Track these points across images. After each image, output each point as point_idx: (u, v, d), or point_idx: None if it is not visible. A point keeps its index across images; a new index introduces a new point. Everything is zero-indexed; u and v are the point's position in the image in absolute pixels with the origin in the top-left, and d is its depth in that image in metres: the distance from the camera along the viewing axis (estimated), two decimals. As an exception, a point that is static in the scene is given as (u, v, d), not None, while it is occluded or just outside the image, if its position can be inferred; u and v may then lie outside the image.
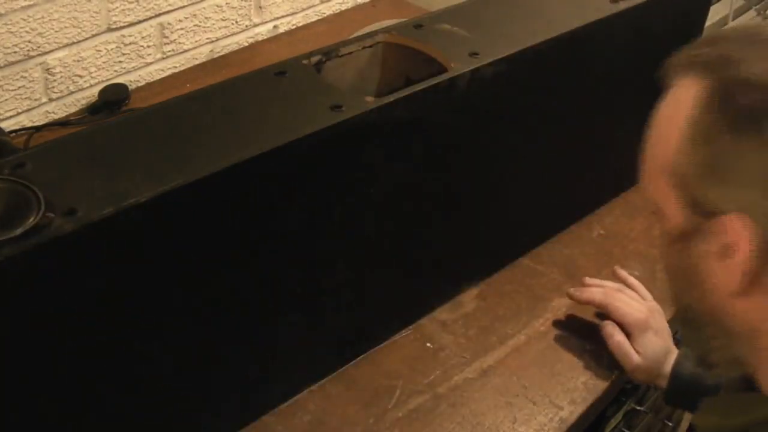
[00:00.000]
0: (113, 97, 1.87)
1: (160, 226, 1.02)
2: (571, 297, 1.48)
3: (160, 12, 1.91)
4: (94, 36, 1.82)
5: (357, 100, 1.17)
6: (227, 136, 1.09)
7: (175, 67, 2.01)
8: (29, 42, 1.72)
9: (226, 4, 2.03)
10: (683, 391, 1.37)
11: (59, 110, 1.84)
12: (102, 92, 1.87)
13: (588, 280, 1.51)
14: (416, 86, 1.21)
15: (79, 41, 1.80)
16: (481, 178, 1.42)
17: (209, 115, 1.13)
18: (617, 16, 1.45)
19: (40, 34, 1.72)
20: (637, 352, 1.40)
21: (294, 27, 2.22)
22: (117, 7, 1.82)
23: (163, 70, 1.99)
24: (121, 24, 1.85)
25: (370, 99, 1.19)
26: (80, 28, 1.78)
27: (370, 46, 1.34)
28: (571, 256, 1.65)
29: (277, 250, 1.17)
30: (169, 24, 1.94)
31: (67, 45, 1.78)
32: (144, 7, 1.87)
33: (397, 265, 1.38)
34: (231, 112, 1.14)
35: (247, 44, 2.14)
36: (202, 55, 2.05)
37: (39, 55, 1.75)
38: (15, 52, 1.70)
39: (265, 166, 1.07)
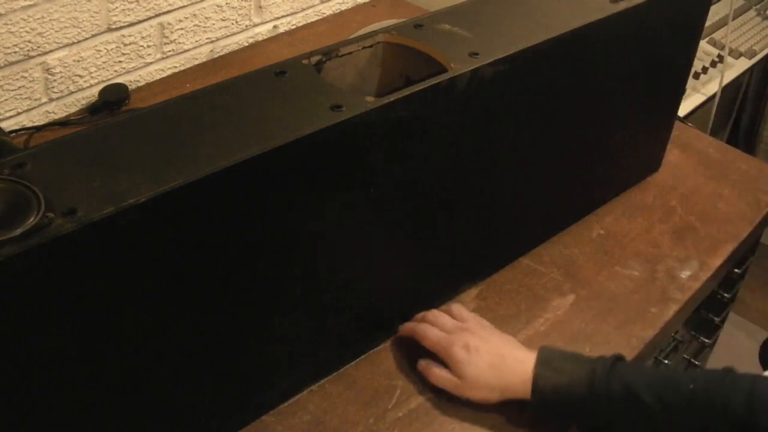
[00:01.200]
0: (113, 97, 1.87)
1: (160, 226, 1.02)
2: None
3: (160, 12, 1.91)
4: (94, 36, 1.82)
5: (357, 100, 1.17)
6: (227, 136, 1.09)
7: (175, 67, 2.01)
8: (29, 42, 1.72)
9: (226, 4, 2.03)
10: (548, 405, 1.29)
11: (59, 110, 1.84)
12: (102, 92, 1.87)
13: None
14: (416, 86, 1.21)
15: (79, 41, 1.80)
16: (481, 178, 1.42)
17: (209, 115, 1.13)
18: (617, 16, 1.45)
19: (40, 34, 1.72)
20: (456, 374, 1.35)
21: (294, 27, 2.23)
22: (117, 7, 1.82)
23: (163, 70, 1.99)
24: (121, 24, 1.85)
25: (370, 99, 1.18)
26: (80, 28, 1.78)
27: (370, 46, 1.34)
28: (571, 256, 1.65)
29: (277, 249, 1.17)
30: (169, 24, 1.94)
31: (67, 45, 1.78)
32: (144, 7, 1.87)
33: (398, 264, 1.38)
34: (231, 112, 1.14)
35: (247, 44, 2.14)
36: (202, 55, 2.05)
37: (39, 55, 1.75)
38: (15, 52, 1.71)
39: (265, 166, 1.07)
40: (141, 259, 1.02)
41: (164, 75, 1.99)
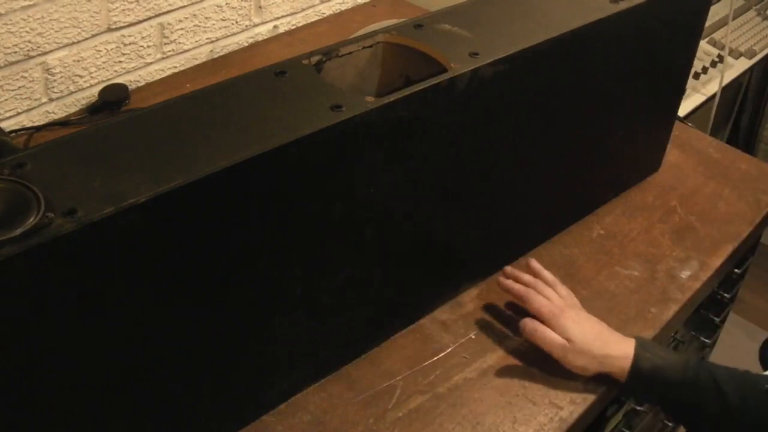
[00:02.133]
0: (113, 97, 1.87)
1: (160, 226, 1.02)
2: (498, 283, 1.52)
3: (160, 12, 1.91)
4: (94, 36, 1.82)
5: (357, 100, 1.17)
6: (227, 136, 1.09)
7: (175, 67, 2.01)
8: (29, 42, 1.72)
9: (226, 4, 2.03)
10: (644, 383, 1.38)
11: (59, 110, 1.84)
12: (102, 92, 1.87)
13: (507, 269, 1.54)
14: (416, 86, 1.21)
15: (79, 41, 1.80)
16: (481, 178, 1.42)
17: (209, 115, 1.13)
18: (617, 16, 1.45)
19: (40, 34, 1.72)
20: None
21: (294, 27, 2.23)
22: (117, 7, 1.82)
23: (163, 70, 1.99)
24: (121, 24, 1.85)
25: (370, 99, 1.18)
26: (80, 28, 1.78)
27: (370, 46, 1.34)
28: (571, 256, 1.65)
29: (277, 249, 1.17)
30: (169, 24, 1.94)
31: (67, 45, 1.78)
32: (144, 8, 1.87)
33: (397, 265, 1.38)
34: (231, 112, 1.14)
35: (247, 44, 2.14)
36: (202, 55, 2.05)
37: (39, 55, 1.75)
38: (15, 52, 1.70)
39: (265, 166, 1.07)
40: (141, 259, 1.02)
41: (164, 75, 1.99)
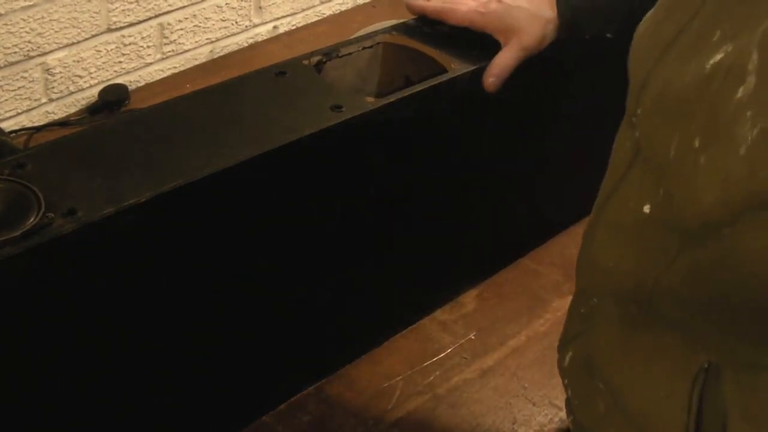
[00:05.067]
0: (113, 98, 1.87)
1: (160, 226, 1.02)
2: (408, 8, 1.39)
3: (160, 12, 1.91)
4: (94, 36, 1.82)
5: (357, 101, 1.17)
6: (227, 136, 1.09)
7: (175, 67, 2.01)
8: (29, 42, 1.72)
9: (226, 4, 2.03)
10: (575, 6, 1.30)
11: (59, 110, 1.84)
12: (102, 93, 1.87)
13: None
14: (416, 87, 1.22)
15: (78, 41, 1.80)
16: (481, 178, 1.42)
17: (209, 116, 1.13)
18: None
19: (39, 34, 1.73)
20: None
21: (294, 27, 2.23)
22: (117, 8, 1.82)
23: (163, 71, 1.99)
24: (121, 24, 1.85)
25: (370, 99, 1.19)
26: (80, 28, 1.78)
27: (370, 47, 1.34)
28: (570, 257, 1.64)
29: (277, 249, 1.17)
30: (168, 24, 1.94)
31: (66, 45, 1.78)
32: (144, 8, 1.87)
33: (398, 264, 1.38)
34: (231, 113, 1.14)
35: (247, 45, 2.14)
36: (202, 55, 2.05)
37: (39, 55, 1.75)
38: (15, 53, 1.71)
39: (265, 167, 1.07)
40: (141, 259, 1.02)
41: (164, 75, 1.99)
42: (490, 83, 1.27)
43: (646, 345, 0.89)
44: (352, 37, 1.38)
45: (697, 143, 0.75)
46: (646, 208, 0.83)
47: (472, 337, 1.47)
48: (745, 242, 0.73)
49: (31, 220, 0.94)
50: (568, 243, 1.68)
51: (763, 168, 0.70)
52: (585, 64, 1.47)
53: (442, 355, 1.44)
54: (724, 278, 0.77)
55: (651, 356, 0.89)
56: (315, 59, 1.27)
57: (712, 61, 0.75)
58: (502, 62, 1.28)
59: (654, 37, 0.86)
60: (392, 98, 1.18)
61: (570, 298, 1.46)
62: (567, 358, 1.07)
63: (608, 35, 1.32)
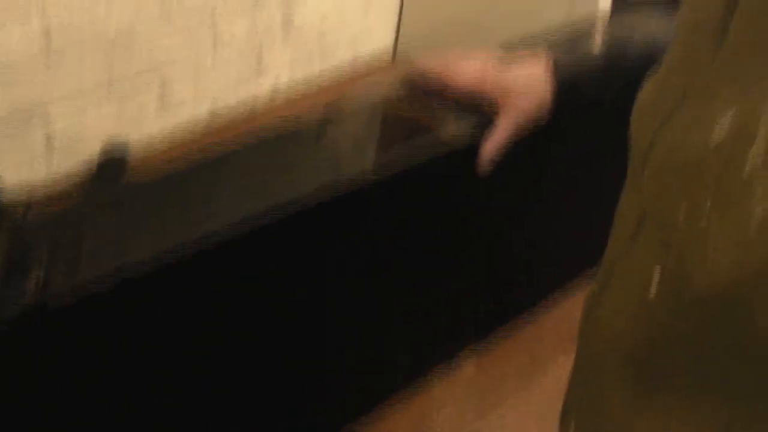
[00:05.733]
0: (114, 157, 1.87)
1: (160, 295, 1.02)
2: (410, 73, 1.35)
3: (161, 69, 1.92)
4: (95, 92, 1.83)
5: (357, 166, 1.18)
6: (227, 203, 1.09)
7: (176, 124, 2.02)
8: (31, 99, 1.73)
9: (227, 62, 2.05)
10: (572, 74, 1.31)
11: (60, 165, 1.85)
12: (103, 153, 1.88)
13: None
14: (415, 154, 1.22)
15: (80, 97, 1.81)
16: (480, 242, 1.43)
17: (209, 180, 1.14)
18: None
19: (41, 92, 1.74)
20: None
21: (295, 91, 2.24)
22: (118, 64, 1.84)
23: (163, 130, 2.00)
24: (123, 80, 1.87)
25: (370, 163, 1.19)
26: (82, 84, 1.80)
27: (370, 113, 1.35)
28: (570, 318, 1.63)
29: (275, 316, 1.18)
30: (169, 81, 1.95)
31: (69, 100, 1.80)
32: (145, 64, 1.89)
33: (399, 327, 1.38)
34: (232, 176, 1.14)
35: (248, 107, 2.15)
36: (202, 113, 2.06)
37: (41, 113, 1.76)
38: (16, 109, 1.72)
39: (264, 231, 1.08)
40: (140, 326, 1.03)
41: (165, 133, 2.00)
42: (484, 162, 1.28)
43: (662, 407, 0.89)
44: (352, 102, 1.38)
45: (706, 208, 0.75)
46: (656, 273, 0.83)
47: (472, 398, 1.47)
48: (760, 305, 0.74)
49: (32, 285, 0.94)
50: (568, 304, 1.68)
51: None
52: (583, 128, 1.48)
53: (443, 415, 1.43)
54: (739, 336, 0.77)
55: (669, 420, 0.88)
56: (315, 123, 1.27)
57: (719, 125, 0.75)
58: (493, 144, 1.29)
59: (658, 101, 0.86)
60: (392, 163, 1.19)
61: (572, 357, 1.45)
62: (571, 430, 1.06)
63: (605, 101, 1.33)
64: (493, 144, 1.27)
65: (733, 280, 0.75)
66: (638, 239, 0.87)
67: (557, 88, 1.30)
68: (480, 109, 1.29)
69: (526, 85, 1.30)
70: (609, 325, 0.93)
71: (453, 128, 1.29)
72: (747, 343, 0.77)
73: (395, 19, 2.43)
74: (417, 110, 1.33)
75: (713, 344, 0.81)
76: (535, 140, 1.35)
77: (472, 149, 1.27)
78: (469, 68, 1.32)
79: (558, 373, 1.51)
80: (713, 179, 0.75)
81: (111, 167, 1.84)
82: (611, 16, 1.43)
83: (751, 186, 0.72)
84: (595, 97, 1.34)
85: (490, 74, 1.31)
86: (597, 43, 1.40)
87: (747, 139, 0.73)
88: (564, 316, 1.65)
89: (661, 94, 0.86)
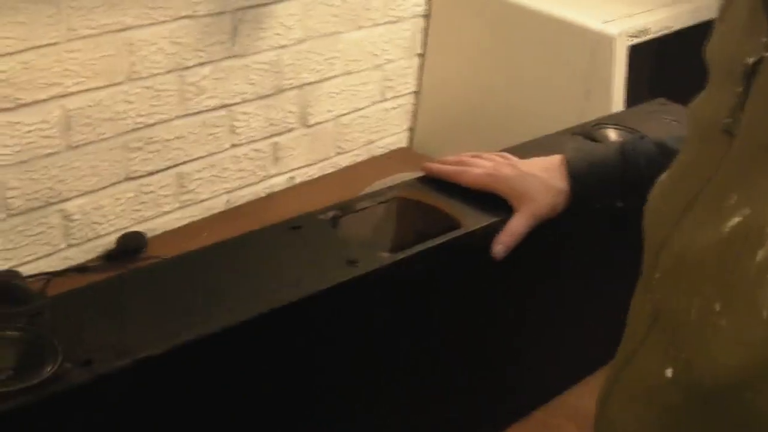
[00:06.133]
0: (131, 245, 1.89)
1: (173, 379, 1.03)
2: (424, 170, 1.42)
3: (179, 162, 1.95)
4: (113, 184, 1.85)
5: (372, 256, 1.19)
6: (242, 290, 1.10)
7: (193, 216, 2.04)
8: (50, 189, 1.75)
9: (244, 155, 2.07)
10: (586, 180, 1.34)
11: (77, 256, 1.86)
12: (120, 240, 1.90)
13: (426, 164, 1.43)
14: (430, 242, 1.23)
15: (98, 189, 1.83)
16: (494, 332, 1.43)
17: (224, 269, 1.15)
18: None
19: (60, 181, 1.76)
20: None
21: (310, 178, 2.26)
22: (136, 157, 1.86)
23: (180, 219, 2.01)
24: (140, 173, 1.89)
25: (385, 254, 1.21)
26: (100, 176, 1.82)
27: (385, 202, 1.36)
28: (585, 410, 1.62)
29: (287, 405, 1.18)
30: (187, 174, 1.97)
31: (86, 193, 1.81)
32: (163, 157, 1.91)
33: (410, 420, 1.37)
34: (246, 266, 1.15)
35: (263, 195, 2.17)
36: (218, 204, 2.08)
37: (59, 202, 1.78)
38: (36, 199, 1.74)
39: (278, 322, 1.09)
40: (154, 411, 1.03)
41: (181, 224, 2.02)
42: (497, 250, 1.31)
43: None
44: (366, 190, 1.40)
45: (717, 307, 0.76)
46: (668, 373, 0.84)
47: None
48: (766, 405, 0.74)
49: (48, 369, 0.95)
50: (583, 395, 1.66)
51: None
52: (596, 227, 1.49)
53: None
54: None
55: None
56: (330, 214, 1.29)
57: (730, 225, 0.76)
58: (513, 230, 1.31)
59: (670, 201, 0.87)
60: (406, 254, 1.20)
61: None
62: None
63: (618, 205, 1.36)
64: (508, 235, 1.28)
65: (740, 382, 0.75)
66: (651, 339, 0.88)
67: (572, 194, 1.32)
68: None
69: (540, 188, 1.31)
70: (618, 424, 0.93)
71: (469, 218, 1.30)
72: None
73: (411, 112, 2.45)
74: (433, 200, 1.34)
75: None
76: (551, 232, 1.36)
77: (487, 234, 1.28)
78: (483, 166, 1.34)
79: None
80: (723, 276, 0.76)
81: (127, 253, 1.86)
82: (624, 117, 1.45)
83: (760, 284, 0.73)
84: (607, 202, 1.36)
85: (503, 172, 1.33)
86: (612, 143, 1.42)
87: (756, 241, 0.74)
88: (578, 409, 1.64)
89: (673, 194, 0.88)
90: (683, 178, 0.87)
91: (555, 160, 1.35)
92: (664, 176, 0.92)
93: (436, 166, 1.40)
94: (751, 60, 0.78)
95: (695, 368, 0.79)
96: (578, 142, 1.51)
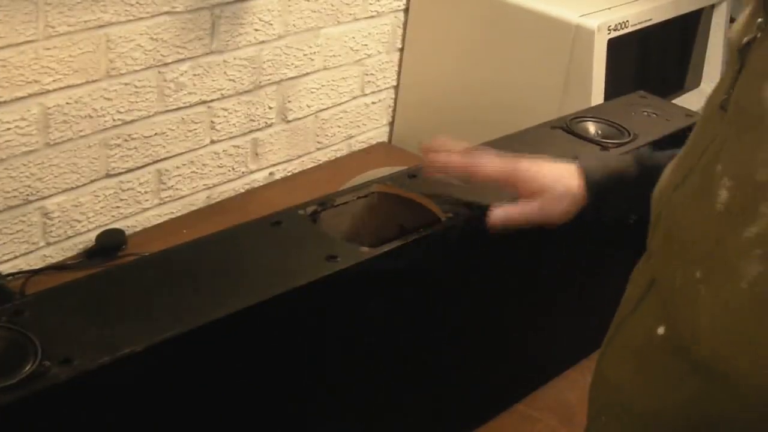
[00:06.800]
0: (111, 242, 1.89)
1: (155, 375, 1.03)
2: (428, 166, 1.34)
3: (158, 159, 1.94)
4: (92, 181, 1.84)
5: (352, 250, 1.19)
6: (223, 285, 1.10)
7: (172, 212, 2.03)
8: (28, 186, 1.74)
9: (224, 151, 2.07)
10: (605, 194, 1.30)
11: (56, 254, 1.86)
12: (99, 237, 1.89)
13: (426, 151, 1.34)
14: (410, 236, 1.23)
15: (77, 186, 1.82)
16: (475, 325, 1.43)
17: (205, 265, 1.15)
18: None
19: (39, 179, 1.75)
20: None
21: (290, 173, 2.26)
22: (116, 154, 1.85)
23: (160, 216, 2.01)
24: (120, 170, 1.88)
25: (365, 249, 1.20)
26: (79, 173, 1.81)
27: (365, 196, 1.36)
28: (566, 402, 1.64)
29: (271, 399, 1.18)
30: (166, 170, 1.97)
31: (65, 190, 1.81)
32: (142, 154, 1.90)
33: (391, 413, 1.38)
34: (227, 262, 1.15)
35: (243, 191, 2.16)
36: (198, 201, 2.07)
37: (38, 199, 1.77)
38: (14, 197, 1.73)
39: (260, 316, 1.09)
40: (136, 408, 1.02)
41: (161, 221, 2.01)
42: (494, 220, 1.27)
43: None
44: (347, 185, 1.40)
45: (698, 275, 0.79)
46: (660, 331, 0.86)
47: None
48: (748, 370, 0.76)
49: (28, 368, 0.94)
50: (564, 388, 1.67)
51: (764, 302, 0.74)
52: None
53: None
54: (730, 401, 0.80)
55: None
56: (310, 209, 1.29)
57: (715, 200, 0.79)
58: (516, 214, 1.28)
59: (670, 177, 0.90)
60: (387, 248, 1.20)
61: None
62: None
63: (631, 220, 1.32)
64: (505, 211, 1.26)
65: (723, 345, 0.77)
66: (646, 301, 0.90)
67: (587, 205, 1.30)
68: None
69: (557, 193, 1.29)
70: (610, 378, 0.96)
71: (449, 212, 1.30)
72: (738, 408, 0.80)
73: (391, 107, 2.45)
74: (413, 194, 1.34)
75: (702, 408, 0.82)
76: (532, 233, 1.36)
77: (468, 228, 1.28)
78: (498, 162, 1.30)
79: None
80: (707, 247, 0.79)
81: (107, 251, 1.86)
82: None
83: (744, 257, 0.75)
84: (621, 217, 1.34)
85: (521, 169, 1.29)
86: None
87: (740, 214, 0.76)
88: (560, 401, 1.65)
89: (676, 168, 0.90)
90: (685, 155, 0.89)
91: (572, 168, 1.32)
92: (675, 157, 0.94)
93: (443, 160, 1.33)
94: (745, 39, 0.81)
95: (681, 333, 0.82)
96: (591, 151, 1.50)
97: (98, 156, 1.83)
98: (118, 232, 1.91)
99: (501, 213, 1.27)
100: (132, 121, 1.86)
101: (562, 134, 1.56)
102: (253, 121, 2.11)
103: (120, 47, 1.79)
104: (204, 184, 2.07)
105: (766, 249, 0.74)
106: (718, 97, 0.84)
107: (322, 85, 2.24)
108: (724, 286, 0.77)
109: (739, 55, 0.82)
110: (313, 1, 2.12)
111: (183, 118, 1.95)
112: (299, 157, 2.27)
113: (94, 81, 1.77)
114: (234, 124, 2.07)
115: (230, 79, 2.01)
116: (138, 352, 0.98)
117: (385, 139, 2.49)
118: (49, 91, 1.71)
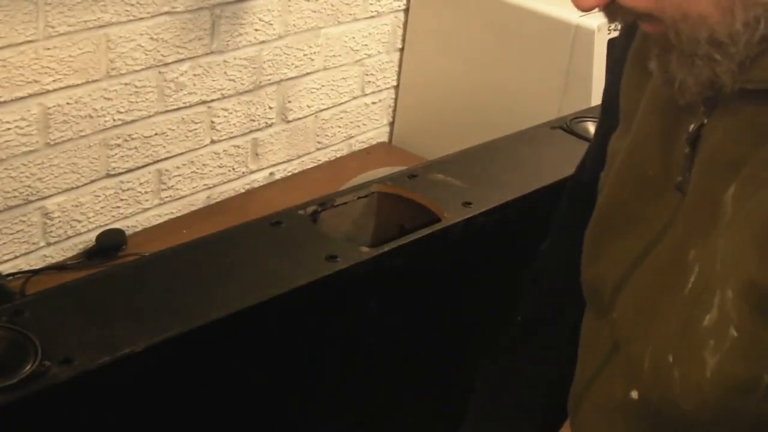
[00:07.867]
0: (111, 243, 1.88)
1: (155, 375, 1.03)
2: None
3: (158, 159, 1.94)
4: (92, 181, 1.84)
5: (352, 250, 1.19)
6: (223, 286, 1.10)
7: (172, 212, 2.03)
8: (29, 187, 1.74)
9: (224, 151, 2.07)
10: None
11: (57, 254, 1.85)
12: (99, 237, 1.89)
13: None
14: (410, 236, 1.23)
15: (78, 186, 1.82)
16: (475, 325, 1.43)
17: (205, 265, 1.15)
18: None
19: (39, 179, 1.75)
20: None
21: (290, 174, 2.26)
22: (116, 154, 1.85)
23: (160, 216, 2.01)
24: (120, 170, 1.88)
25: (365, 249, 1.21)
26: (79, 173, 1.81)
27: (365, 196, 1.36)
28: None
29: (271, 397, 1.18)
30: (166, 171, 1.97)
31: (66, 190, 1.81)
32: (143, 154, 1.90)
33: (391, 413, 1.38)
34: (227, 262, 1.15)
35: (243, 191, 2.16)
36: (198, 201, 2.07)
37: (38, 199, 1.77)
38: (14, 197, 1.73)
39: (260, 316, 1.09)
40: (135, 407, 1.03)
41: (161, 221, 2.01)
42: None
43: None
44: (347, 185, 1.40)
45: (670, 359, 0.80)
46: (634, 395, 0.87)
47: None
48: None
49: (28, 367, 0.95)
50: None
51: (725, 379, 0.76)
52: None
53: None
54: None
55: None
56: (310, 209, 1.29)
57: (687, 285, 0.79)
58: None
59: (616, 244, 0.90)
60: (386, 248, 1.20)
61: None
62: None
63: None
64: None
65: (696, 417, 0.79)
66: (611, 363, 0.91)
67: None
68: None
69: None
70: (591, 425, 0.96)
71: (449, 212, 1.30)
72: None
73: (391, 107, 2.45)
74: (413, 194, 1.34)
75: None
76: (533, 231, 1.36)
77: (467, 227, 1.28)
78: None
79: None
80: (676, 329, 0.80)
81: (107, 251, 1.86)
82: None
83: (709, 338, 0.76)
84: None
85: None
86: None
87: (707, 295, 0.77)
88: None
89: (620, 237, 0.91)
90: (629, 223, 0.88)
91: None
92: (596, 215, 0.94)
93: None
94: (692, 127, 0.80)
95: (657, 405, 0.83)
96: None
97: (98, 156, 1.83)
98: (118, 232, 1.91)
99: None
100: (132, 121, 1.86)
101: (562, 134, 1.56)
102: (253, 121, 2.11)
103: (120, 47, 1.79)
104: (204, 184, 2.07)
105: (717, 340, 0.76)
106: (671, 177, 0.83)
107: (322, 85, 2.24)
108: (693, 366, 0.78)
109: (689, 141, 0.81)
110: (313, 1, 2.11)
111: (183, 118, 1.95)
112: (299, 157, 2.27)
113: (94, 81, 1.77)
114: (234, 124, 2.07)
115: (230, 79, 2.01)
116: (138, 352, 0.98)
117: (385, 139, 2.49)
118: (49, 91, 1.71)
